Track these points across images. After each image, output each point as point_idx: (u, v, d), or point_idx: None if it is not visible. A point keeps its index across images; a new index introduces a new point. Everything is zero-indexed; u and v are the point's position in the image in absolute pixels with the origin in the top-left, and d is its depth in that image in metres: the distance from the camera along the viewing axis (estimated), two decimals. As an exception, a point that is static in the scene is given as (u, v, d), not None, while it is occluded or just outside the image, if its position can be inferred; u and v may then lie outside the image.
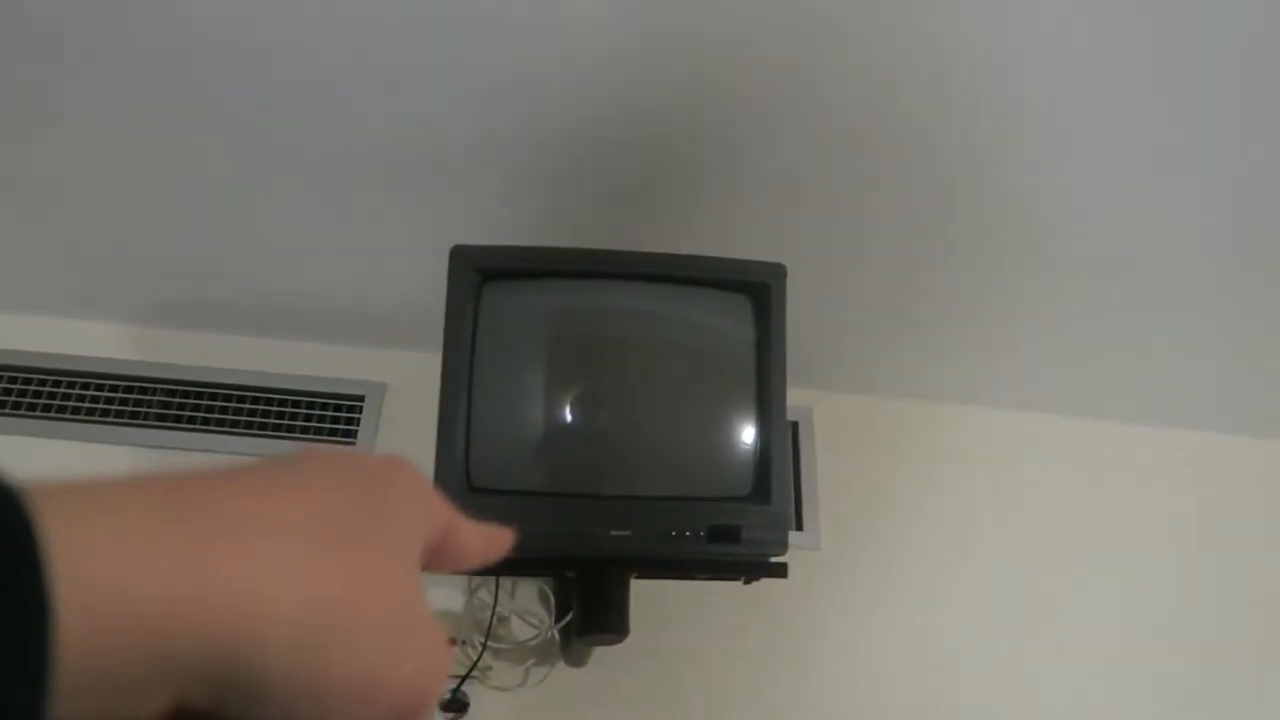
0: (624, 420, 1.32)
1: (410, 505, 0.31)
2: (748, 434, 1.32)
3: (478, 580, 1.72)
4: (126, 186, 1.59)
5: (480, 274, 1.31)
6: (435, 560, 0.33)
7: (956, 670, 1.85)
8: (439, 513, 0.34)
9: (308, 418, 1.92)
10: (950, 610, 1.91)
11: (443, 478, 1.24)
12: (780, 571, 1.27)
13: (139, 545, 0.21)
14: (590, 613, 1.33)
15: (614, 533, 1.24)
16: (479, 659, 1.56)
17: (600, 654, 1.72)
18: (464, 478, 1.25)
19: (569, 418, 1.30)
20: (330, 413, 1.93)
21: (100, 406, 1.88)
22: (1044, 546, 1.99)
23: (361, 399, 1.95)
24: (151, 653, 0.20)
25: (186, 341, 1.96)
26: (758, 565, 1.28)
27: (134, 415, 1.89)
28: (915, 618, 1.88)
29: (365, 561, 0.26)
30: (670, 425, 1.33)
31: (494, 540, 0.40)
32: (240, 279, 1.85)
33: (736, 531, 1.26)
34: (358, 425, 1.93)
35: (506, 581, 1.73)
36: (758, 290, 1.35)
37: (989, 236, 1.59)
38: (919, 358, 1.99)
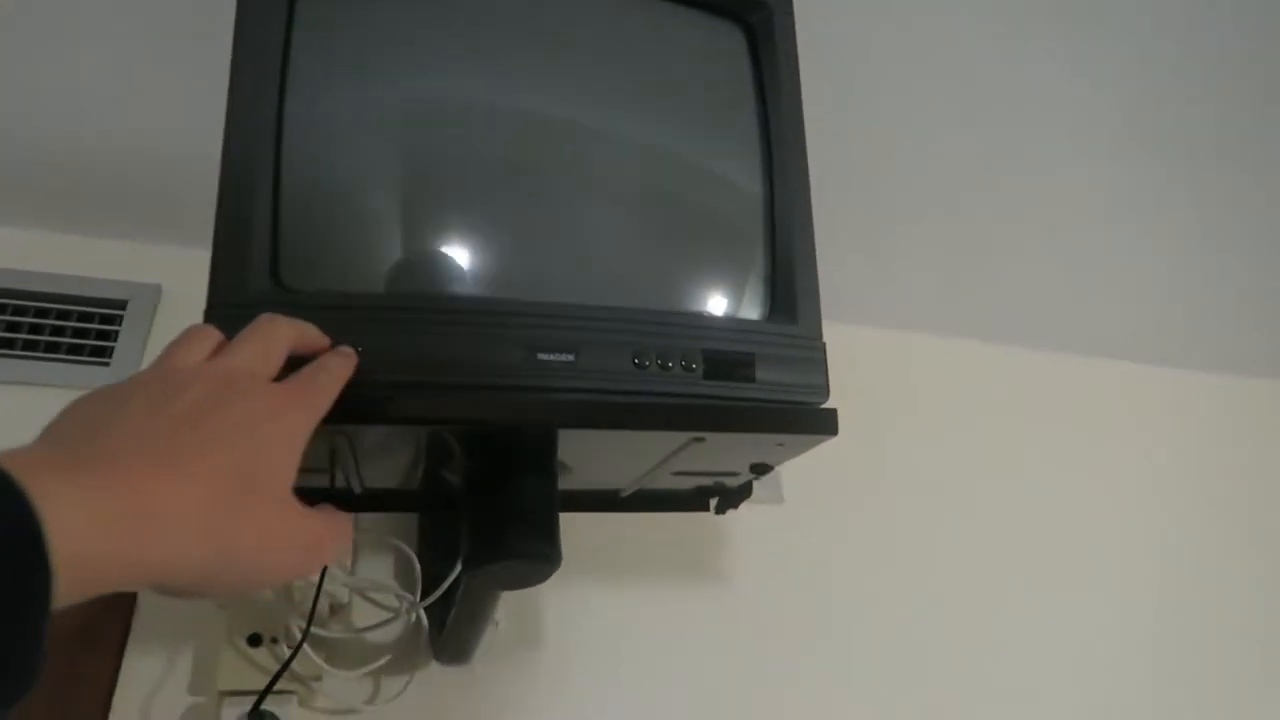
0: (555, 191, 0.78)
1: (268, 445, 0.47)
2: (753, 223, 0.81)
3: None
4: None
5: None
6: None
7: (951, 660, 1.37)
8: (288, 417, 0.50)
9: (35, 329, 1.28)
10: (939, 573, 1.43)
11: (226, 269, 0.67)
12: (823, 425, 0.75)
13: (98, 539, 0.34)
14: (492, 520, 0.76)
15: (544, 356, 0.69)
16: (290, 660, 0.95)
17: (495, 647, 1.13)
18: (268, 269, 0.68)
19: (461, 179, 0.76)
20: (75, 323, 1.29)
21: None
22: (1038, 503, 1.56)
23: (123, 305, 1.32)
24: (105, 589, 0.35)
25: None
26: (787, 415, 0.75)
27: None
28: (891, 583, 1.39)
29: (241, 523, 0.42)
30: (636, 205, 0.80)
31: (335, 366, 0.58)
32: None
33: (749, 361, 0.74)
34: (114, 340, 1.29)
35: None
36: (753, 15, 0.86)
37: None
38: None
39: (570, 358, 0.70)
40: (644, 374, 0.71)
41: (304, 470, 0.84)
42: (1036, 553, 1.53)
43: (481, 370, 0.68)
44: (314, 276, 0.70)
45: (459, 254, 0.73)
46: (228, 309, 0.66)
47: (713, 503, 1.03)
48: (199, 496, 0.40)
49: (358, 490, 0.92)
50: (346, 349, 0.62)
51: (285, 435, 0.49)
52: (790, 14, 0.88)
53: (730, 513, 1.04)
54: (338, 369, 0.59)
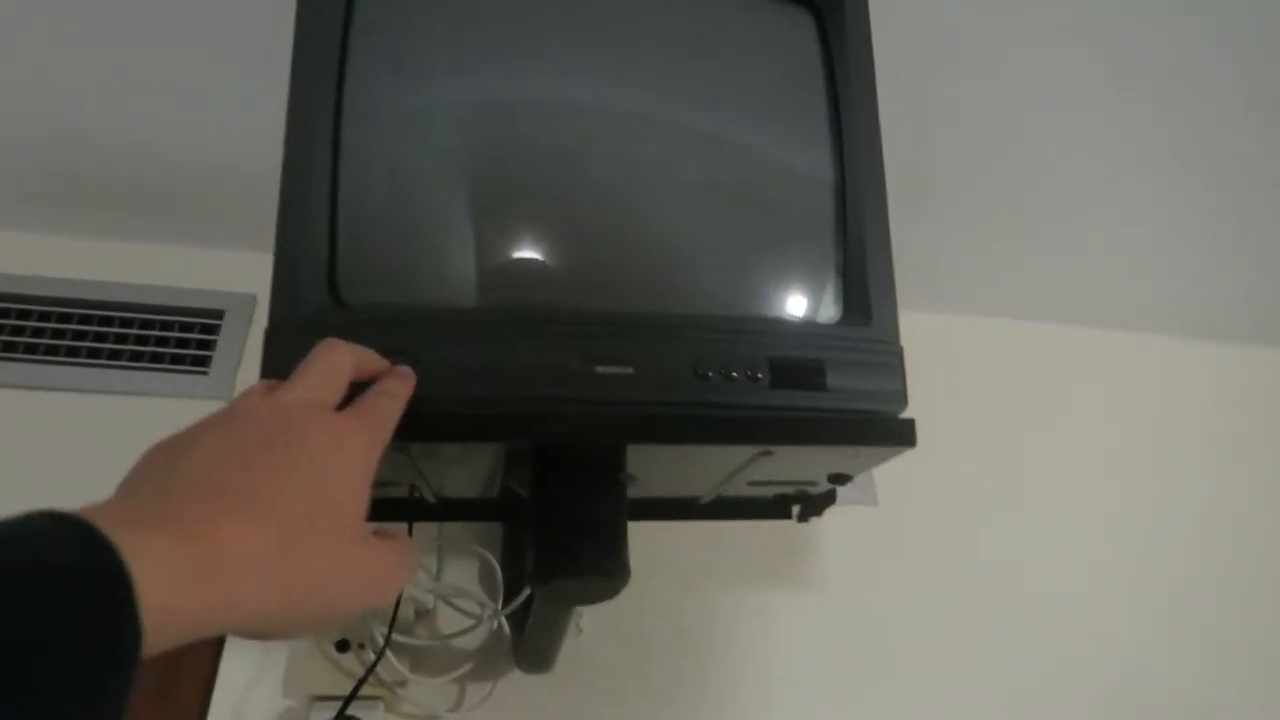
0: (615, 189, 0.76)
1: (335, 479, 0.47)
2: (823, 220, 0.77)
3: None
4: None
5: (357, -43, 0.75)
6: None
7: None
8: (353, 446, 0.49)
9: (141, 340, 1.33)
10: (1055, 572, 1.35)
11: (285, 289, 0.67)
12: (900, 436, 0.70)
13: (179, 589, 0.36)
14: (555, 534, 0.75)
15: (603, 369, 0.67)
16: (374, 666, 0.95)
17: (579, 655, 1.12)
18: (325, 284, 0.68)
19: (520, 182, 0.74)
20: (177, 334, 1.34)
21: None
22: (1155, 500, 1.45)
23: (220, 315, 1.36)
24: (185, 636, 0.36)
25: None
26: (860, 425, 0.71)
27: (-123, 339, 1.28)
28: (996, 589, 1.32)
29: (313, 561, 0.43)
30: (699, 204, 0.77)
31: (395, 389, 0.57)
32: (34, 147, 1.26)
33: (818, 369, 0.70)
34: (213, 350, 1.33)
35: (424, 551, 1.13)
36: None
37: None
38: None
39: (629, 370, 0.67)
40: (706, 385, 0.68)
41: (375, 485, 0.85)
42: (1152, 554, 1.43)
43: (537, 384, 0.66)
44: (370, 291, 0.69)
45: (515, 263, 0.72)
46: (287, 330, 0.66)
47: (795, 510, 0.99)
48: (269, 538, 0.41)
49: (432, 500, 0.92)
50: (405, 369, 0.61)
51: (352, 466, 0.49)
52: (861, -7, 0.82)
53: (821, 518, 1.00)
54: (398, 391, 0.58)
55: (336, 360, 0.55)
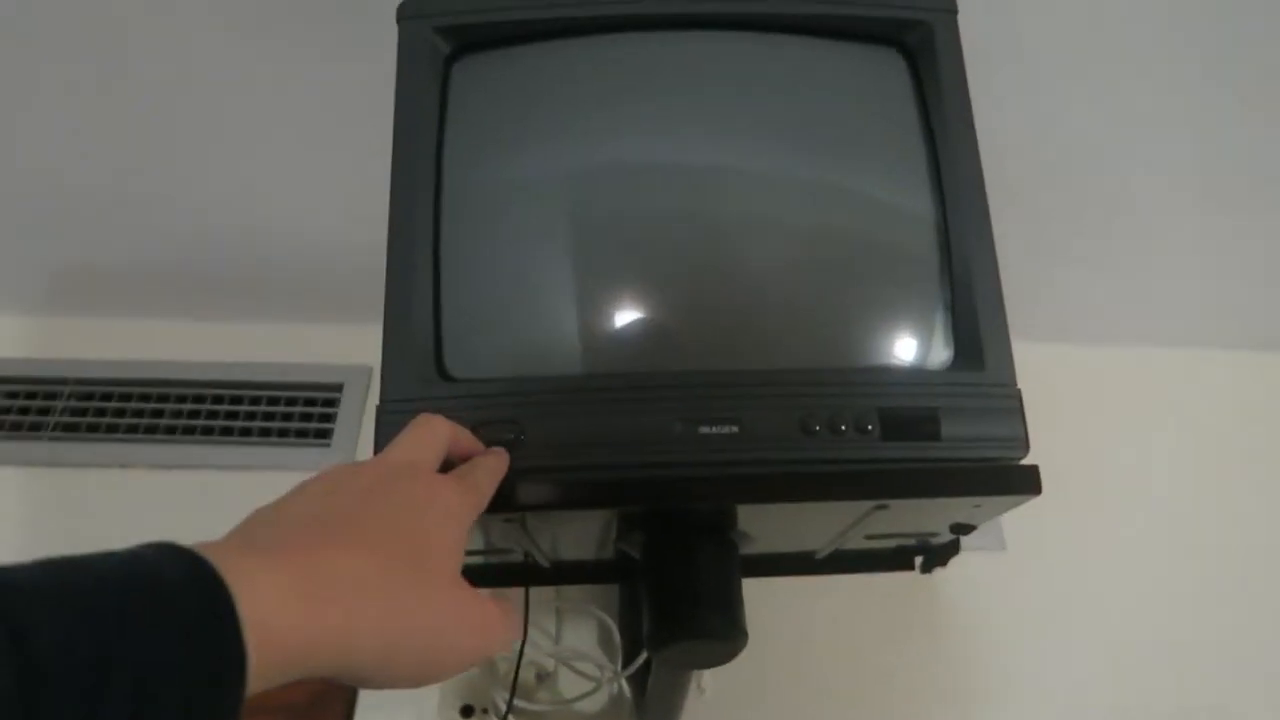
0: (711, 249, 0.75)
1: (433, 525, 0.47)
2: (927, 260, 0.75)
3: (499, 609, 1.12)
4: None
5: (450, 40, 0.78)
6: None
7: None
8: (449, 500, 0.50)
9: (268, 416, 1.38)
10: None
11: (395, 367, 0.69)
12: (1022, 484, 0.67)
13: (284, 609, 0.36)
14: (668, 599, 0.73)
15: (706, 430, 0.66)
16: (501, 731, 0.96)
17: (700, 712, 1.10)
18: (433, 362, 0.70)
19: (617, 248, 0.75)
20: (300, 408, 1.39)
21: (-11, 419, 1.37)
22: None
23: (339, 389, 1.42)
24: (293, 663, 0.36)
25: (96, 329, 1.45)
26: (980, 474, 0.68)
27: (34, 427, 1.37)
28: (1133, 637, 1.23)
29: (415, 596, 0.43)
30: (799, 254, 0.76)
31: (490, 465, 0.59)
32: (168, 239, 1.35)
33: (931, 417, 0.67)
34: (333, 422, 1.38)
35: (544, 612, 1.14)
36: (911, 36, 0.80)
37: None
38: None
39: (734, 429, 0.66)
40: (814, 440, 0.66)
41: (488, 551, 0.86)
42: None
43: (641, 449, 0.66)
44: (475, 365, 0.71)
45: (614, 330, 0.72)
46: (396, 405, 0.68)
47: (918, 561, 0.95)
48: (372, 563, 0.42)
49: (546, 565, 0.93)
50: (499, 449, 0.62)
51: (448, 518, 0.50)
52: (953, 27, 0.81)
53: (948, 566, 0.96)
54: (493, 466, 0.60)
55: (433, 429, 0.57)
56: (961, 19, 0.80)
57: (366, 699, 1.13)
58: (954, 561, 0.96)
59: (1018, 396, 0.70)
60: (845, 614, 1.21)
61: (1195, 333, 1.52)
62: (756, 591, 1.13)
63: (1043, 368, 1.45)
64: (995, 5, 0.99)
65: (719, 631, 0.72)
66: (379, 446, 0.67)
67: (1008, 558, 1.29)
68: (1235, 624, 1.28)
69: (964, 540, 1.21)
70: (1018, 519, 1.23)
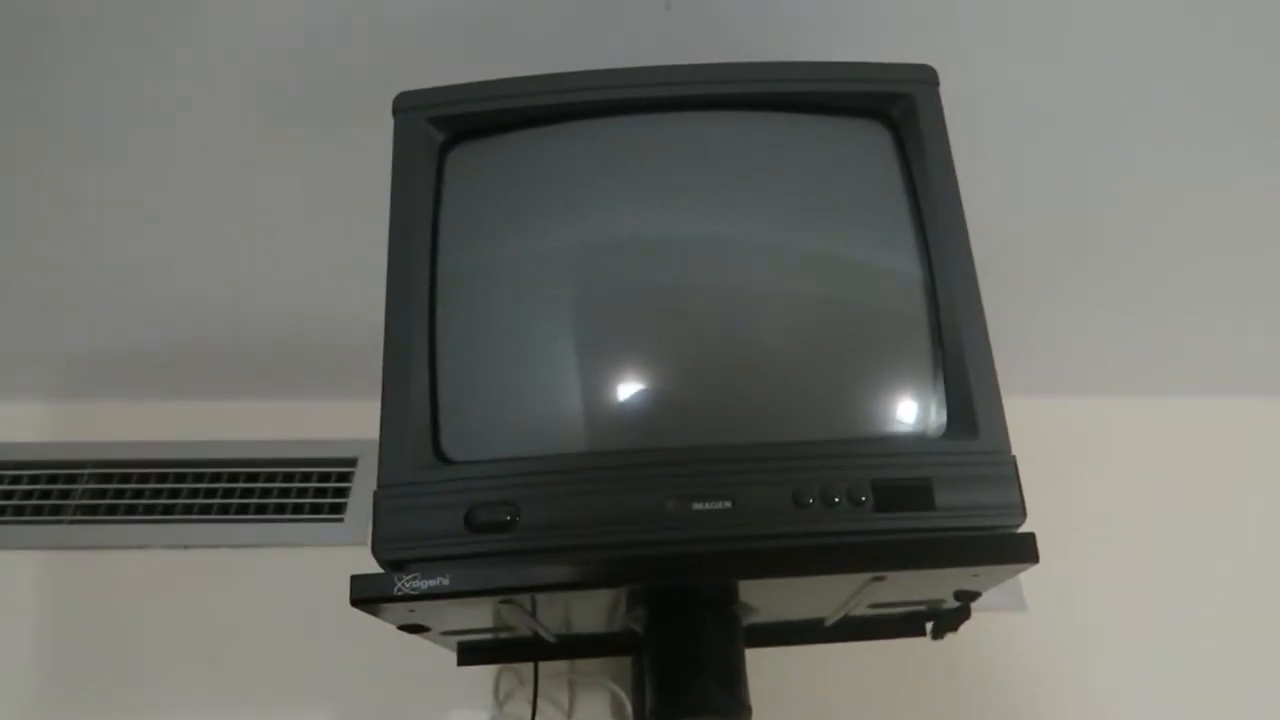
0: (702, 327, 0.77)
1: None
2: (917, 328, 0.75)
3: (509, 686, 1.12)
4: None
5: (443, 129, 0.81)
6: None
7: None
8: None
9: (283, 493, 1.40)
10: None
11: (392, 451, 0.70)
12: (1018, 553, 0.67)
13: None
14: (670, 674, 0.73)
15: (699, 506, 0.67)
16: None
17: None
18: (431, 446, 0.71)
19: (609, 328, 0.76)
20: (314, 484, 1.41)
21: (11, 503, 1.39)
22: None
23: (354, 463, 1.43)
24: None
25: (113, 413, 1.48)
26: (975, 543, 0.67)
27: (55, 510, 1.39)
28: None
29: None
30: (790, 328, 0.77)
31: None
32: (179, 321, 1.38)
33: (925, 487, 0.68)
34: (347, 497, 1.39)
35: (556, 685, 1.13)
36: (894, 108, 0.82)
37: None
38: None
39: (727, 504, 0.67)
40: (807, 513, 0.66)
41: (497, 629, 0.86)
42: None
43: (635, 528, 0.66)
44: (471, 447, 0.72)
45: (607, 407, 0.73)
46: (394, 490, 0.69)
47: (928, 626, 0.94)
48: None
49: (551, 640, 0.92)
50: None
51: None
52: (934, 98, 0.83)
53: (966, 626, 0.95)
54: None
55: None
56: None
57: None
58: (974, 622, 0.94)
59: (1012, 463, 0.70)
60: (862, 680, 1.19)
61: (1213, 381, 1.51)
62: (771, 658, 1.12)
63: (1065, 422, 1.45)
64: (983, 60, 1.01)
65: (721, 707, 0.72)
66: (377, 531, 0.68)
67: (1028, 618, 1.26)
68: (1261, 678, 1.25)
69: (984, 600, 1.20)
70: (1039, 579, 1.22)
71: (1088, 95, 1.05)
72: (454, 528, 0.67)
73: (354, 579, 0.66)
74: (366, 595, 0.66)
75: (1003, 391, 0.72)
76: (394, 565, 0.67)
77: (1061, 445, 1.42)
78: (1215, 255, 1.28)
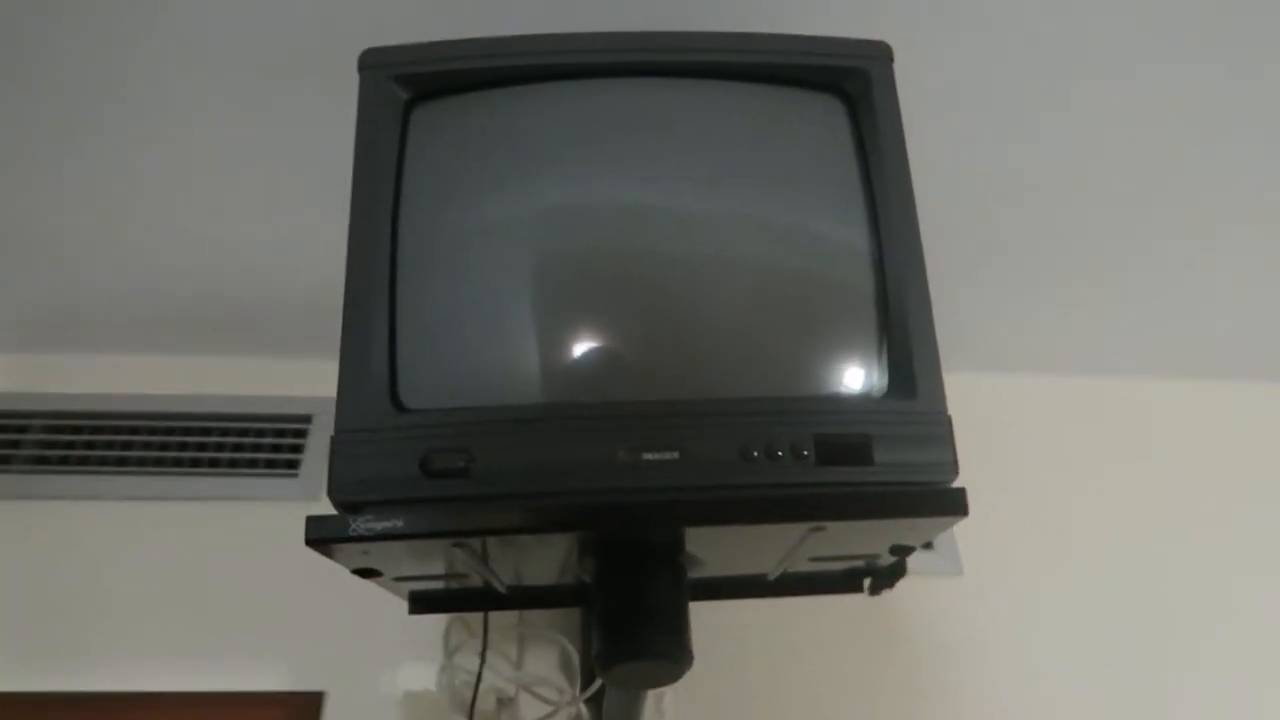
0: (656, 285, 0.79)
1: None
2: (863, 294, 0.78)
3: (459, 637, 1.14)
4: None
5: (408, 87, 0.82)
6: None
7: None
8: None
9: (237, 448, 1.40)
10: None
11: (350, 398, 0.72)
12: (950, 506, 0.70)
13: None
14: (616, 620, 0.76)
15: (649, 456, 0.69)
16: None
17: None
18: (388, 394, 0.72)
19: (564, 284, 0.78)
20: (269, 439, 1.41)
21: (-42, 452, 1.38)
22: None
23: (309, 419, 1.44)
24: None
25: (67, 366, 1.47)
26: (910, 497, 0.71)
27: (3, 460, 1.38)
28: (1091, 661, 1.26)
29: None
30: (741, 290, 0.80)
31: None
32: (135, 275, 1.37)
33: (865, 444, 0.71)
34: (302, 453, 1.40)
35: (507, 639, 1.16)
36: (850, 83, 0.84)
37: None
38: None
39: (674, 455, 0.69)
40: (752, 466, 0.69)
41: (448, 577, 0.88)
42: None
43: (586, 476, 0.69)
44: (428, 396, 0.73)
45: (562, 360, 0.75)
46: (351, 435, 0.70)
47: (867, 583, 0.98)
48: None
49: (503, 591, 0.95)
50: None
51: None
52: (888, 73, 0.85)
53: (905, 589, 0.99)
54: None
55: None
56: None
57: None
58: (913, 585, 0.99)
59: (947, 423, 0.73)
60: (804, 639, 1.24)
61: (1155, 363, 1.57)
62: (719, 617, 1.16)
63: (1002, 398, 1.50)
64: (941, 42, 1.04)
65: (665, 651, 0.74)
66: (333, 474, 0.70)
67: (964, 582, 1.32)
68: (1186, 641, 1.31)
69: (923, 564, 1.24)
70: (975, 546, 1.27)
71: (1028, 79, 1.09)
72: (409, 473, 0.69)
73: (310, 519, 0.68)
74: (321, 535, 0.68)
75: (943, 369, 0.76)
76: (349, 508, 0.69)
77: (999, 420, 1.47)
78: (1149, 239, 1.33)
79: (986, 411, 1.46)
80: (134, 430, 1.43)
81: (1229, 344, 1.56)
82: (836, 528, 0.72)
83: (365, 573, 0.80)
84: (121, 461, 1.40)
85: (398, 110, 0.81)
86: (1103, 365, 1.57)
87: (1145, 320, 1.49)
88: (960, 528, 1.35)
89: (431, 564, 0.83)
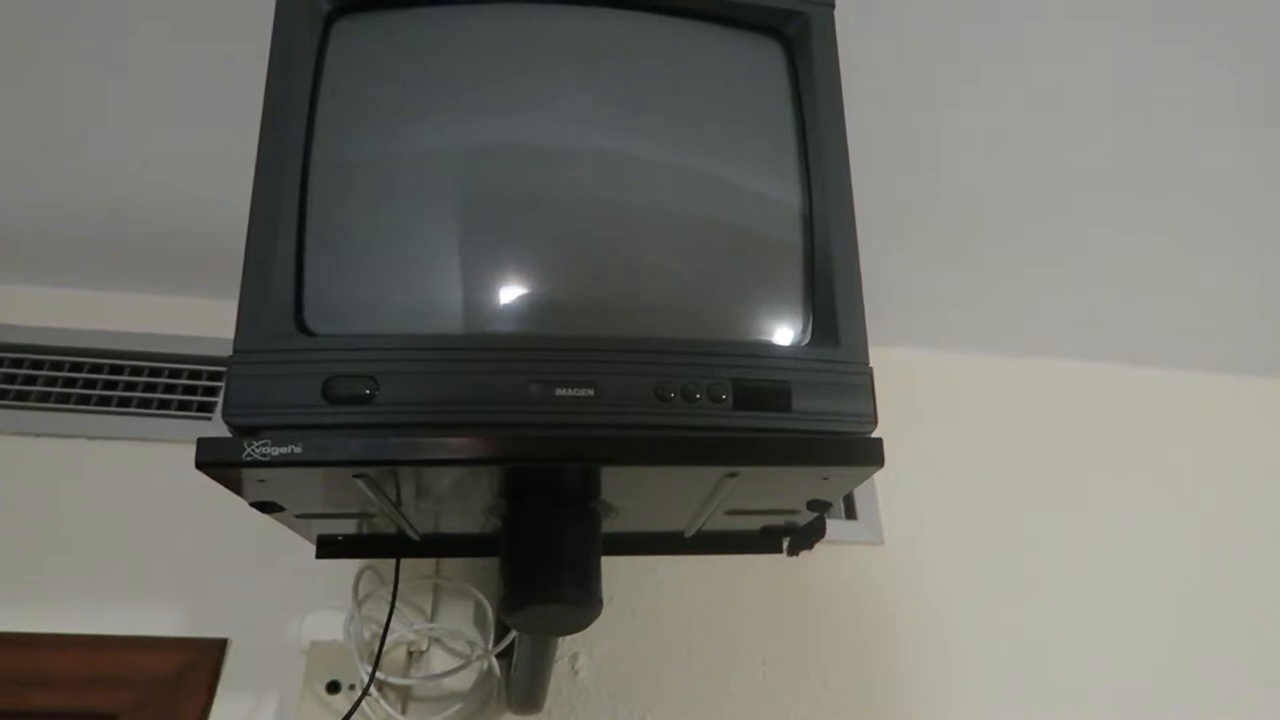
0: (575, 220, 0.76)
1: None
2: (790, 242, 0.77)
3: (370, 586, 1.11)
4: None
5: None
6: None
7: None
8: None
9: (149, 388, 1.35)
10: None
11: (250, 319, 0.68)
12: (865, 455, 0.69)
13: None
14: (523, 564, 0.74)
15: (562, 391, 0.67)
16: (354, 709, 0.95)
17: (574, 695, 1.10)
18: (293, 316, 0.69)
19: (478, 214, 0.75)
20: (184, 380, 1.36)
21: None
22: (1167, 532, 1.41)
23: (224, 362, 1.38)
24: None
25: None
26: (826, 446, 0.70)
27: (-104, 390, 1.31)
28: (1007, 629, 1.28)
29: None
30: (665, 230, 0.78)
31: None
32: (49, 206, 1.30)
33: (784, 390, 0.69)
34: (217, 396, 1.35)
35: (421, 591, 1.13)
36: (790, 25, 0.82)
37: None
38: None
39: (589, 392, 0.67)
40: (668, 407, 0.67)
41: (360, 516, 0.85)
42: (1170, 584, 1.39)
43: (496, 409, 0.66)
44: (335, 320, 0.70)
45: (477, 291, 0.72)
46: (249, 356, 0.67)
47: (785, 543, 0.97)
48: None
49: (415, 538, 0.92)
50: None
51: None
52: (829, 21, 0.83)
53: (826, 556, 0.98)
54: None
55: None
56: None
57: (231, 673, 1.10)
58: (833, 553, 0.98)
59: (869, 374, 0.72)
60: (721, 599, 1.23)
61: (1088, 346, 1.59)
62: (635, 574, 1.14)
63: (927, 373, 1.51)
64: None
65: (572, 596, 0.72)
66: (228, 397, 0.66)
67: (885, 551, 1.32)
68: (1105, 616, 1.33)
69: (844, 533, 1.24)
70: (897, 516, 1.27)
71: (962, 49, 1.08)
72: (311, 398, 0.66)
73: (201, 441, 0.64)
74: (213, 459, 0.64)
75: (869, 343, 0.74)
76: (245, 432, 0.66)
77: (923, 395, 1.48)
78: (1078, 219, 1.34)
79: (905, 386, 1.47)
80: (37, 364, 1.36)
81: (1144, 329, 1.59)
82: (751, 474, 0.71)
83: (265, 506, 0.77)
84: (23, 396, 1.34)
85: (318, 22, 0.77)
86: (1033, 346, 1.58)
87: (1062, 301, 1.50)
88: (883, 498, 1.35)
89: (337, 501, 0.80)
